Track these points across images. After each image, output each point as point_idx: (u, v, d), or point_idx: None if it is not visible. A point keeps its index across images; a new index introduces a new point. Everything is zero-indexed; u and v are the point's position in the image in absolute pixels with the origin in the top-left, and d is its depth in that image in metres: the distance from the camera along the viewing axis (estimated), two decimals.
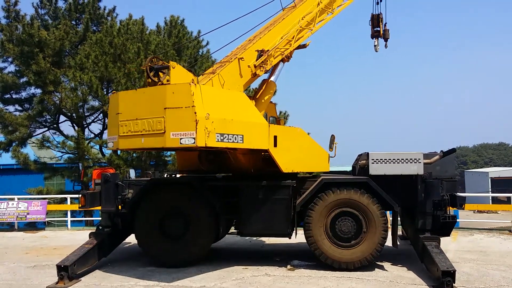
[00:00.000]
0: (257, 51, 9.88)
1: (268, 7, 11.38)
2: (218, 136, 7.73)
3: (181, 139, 7.48)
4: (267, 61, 9.98)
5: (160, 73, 8.74)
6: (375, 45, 13.23)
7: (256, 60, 9.77)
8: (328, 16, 11.37)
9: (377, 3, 13.09)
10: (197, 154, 9.71)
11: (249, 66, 9.81)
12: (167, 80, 8.51)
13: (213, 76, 9.21)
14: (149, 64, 8.72)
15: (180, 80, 8.26)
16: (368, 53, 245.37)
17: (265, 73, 10.38)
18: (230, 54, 10.24)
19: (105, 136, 22.41)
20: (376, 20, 13.10)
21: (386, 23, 13.18)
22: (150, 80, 8.63)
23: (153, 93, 8.00)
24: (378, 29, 13.16)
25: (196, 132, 7.40)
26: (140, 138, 7.94)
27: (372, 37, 13.24)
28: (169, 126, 7.56)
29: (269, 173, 9.45)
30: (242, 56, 9.77)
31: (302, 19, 10.74)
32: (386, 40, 13.28)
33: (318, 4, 10.98)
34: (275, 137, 8.91)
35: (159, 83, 8.55)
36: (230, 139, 7.98)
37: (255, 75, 9.96)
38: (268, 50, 9.92)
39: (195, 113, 7.44)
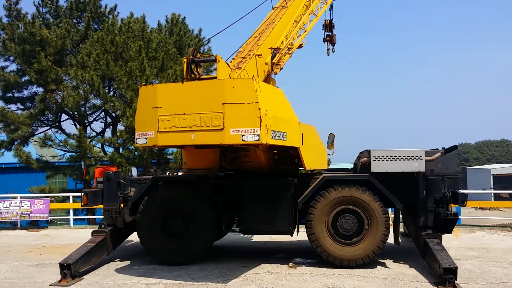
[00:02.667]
0: (271, 48, 9.84)
1: (263, 5, 11.66)
2: (272, 133, 7.59)
3: (243, 135, 7.27)
4: (280, 59, 10.02)
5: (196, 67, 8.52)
6: (327, 49, 13.65)
7: (272, 58, 9.74)
8: (313, 18, 11.77)
9: (330, 9, 13.40)
10: (213, 152, 9.43)
11: (266, 64, 9.80)
12: (200, 74, 8.40)
13: (241, 72, 9.14)
14: (191, 56, 8.44)
15: (222, 74, 8.13)
16: (369, 50, 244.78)
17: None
18: (244, 51, 10.17)
19: (107, 134, 22.46)
20: (328, 25, 13.45)
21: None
22: (192, 74, 8.35)
23: (207, 87, 7.71)
24: (330, 33, 13.55)
25: (260, 129, 7.26)
26: (188, 134, 7.56)
27: (324, 41, 13.63)
28: (229, 122, 7.32)
29: (282, 171, 9.54)
30: (260, 53, 9.72)
31: (298, 19, 10.90)
32: (333, 44, 13.72)
33: (304, 6, 11.21)
34: (302, 135, 8.90)
35: (197, 76, 8.43)
36: (279, 136, 7.85)
37: (270, 73, 9.96)
38: (281, 48, 9.91)
39: (259, 109, 7.29)
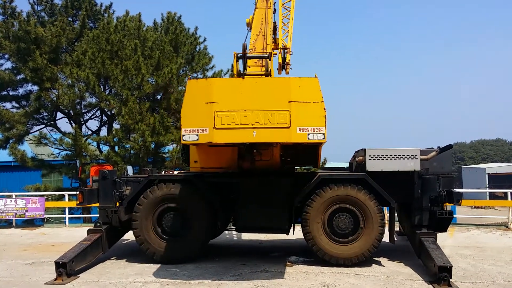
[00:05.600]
0: (279, 48, 9.81)
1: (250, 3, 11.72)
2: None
3: (309, 134, 7.38)
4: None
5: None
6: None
7: (284, 57, 9.71)
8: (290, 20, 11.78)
9: (274, 13, 12.84)
10: (231, 151, 9.29)
11: (279, 63, 9.78)
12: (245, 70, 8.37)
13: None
14: (243, 52, 8.39)
15: (273, 72, 8.16)
16: (366, 50, 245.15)
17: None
18: (254, 49, 10.04)
19: (103, 133, 22.40)
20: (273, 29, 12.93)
21: None
22: (241, 70, 8.35)
23: (271, 85, 7.68)
24: (274, 36, 13.00)
25: (325, 127, 7.39)
26: (249, 131, 7.42)
27: None
28: (296, 120, 7.36)
29: (285, 170, 9.57)
30: (276, 53, 9.72)
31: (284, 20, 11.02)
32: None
33: (284, 9, 11.28)
34: None
35: (244, 72, 8.40)
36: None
37: (280, 72, 9.97)
38: (288, 48, 9.90)
39: (324, 108, 7.43)
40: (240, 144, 8.27)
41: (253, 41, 10.29)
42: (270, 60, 8.38)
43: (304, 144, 8.17)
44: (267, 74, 8.64)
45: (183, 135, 7.70)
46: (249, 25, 11.88)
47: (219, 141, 7.63)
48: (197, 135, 7.60)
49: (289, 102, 7.38)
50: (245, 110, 7.44)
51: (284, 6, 11.41)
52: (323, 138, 7.42)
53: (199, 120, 7.60)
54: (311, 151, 9.29)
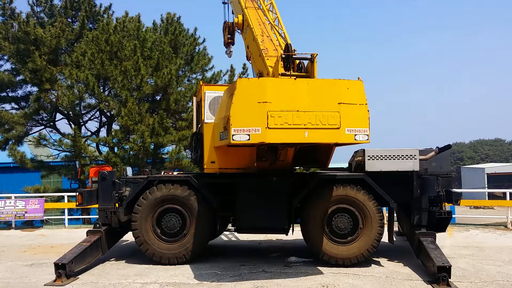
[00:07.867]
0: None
1: None
2: None
3: (355, 135, 7.61)
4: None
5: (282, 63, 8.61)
6: (230, 51, 13.02)
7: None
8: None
9: (232, 12, 12.64)
10: (249, 152, 9.15)
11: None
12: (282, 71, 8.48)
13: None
14: (288, 52, 8.49)
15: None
16: (362, 48, 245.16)
17: None
18: (266, 49, 10.07)
19: (102, 134, 22.38)
20: (231, 27, 12.55)
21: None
22: (288, 71, 8.47)
23: (322, 86, 7.80)
24: (231, 36, 12.67)
25: (369, 129, 7.63)
26: (301, 131, 7.49)
27: (225, 44, 12.89)
28: (345, 121, 7.54)
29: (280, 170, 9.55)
30: (281, 53, 9.75)
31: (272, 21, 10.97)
32: (233, 45, 12.95)
33: (269, 11, 11.18)
34: None
35: (288, 73, 8.50)
36: None
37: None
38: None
39: (368, 110, 7.69)
40: (294, 145, 8.49)
41: (260, 42, 10.30)
42: (313, 62, 8.44)
43: (321, 145, 8.32)
44: (308, 75, 8.73)
45: (233, 135, 7.51)
46: (238, 25, 11.77)
47: (272, 141, 7.60)
48: (249, 135, 7.48)
49: (338, 103, 7.58)
50: (297, 111, 7.51)
51: (267, 7, 11.31)
52: (367, 139, 7.66)
53: (251, 119, 7.50)
54: (324, 152, 9.32)
